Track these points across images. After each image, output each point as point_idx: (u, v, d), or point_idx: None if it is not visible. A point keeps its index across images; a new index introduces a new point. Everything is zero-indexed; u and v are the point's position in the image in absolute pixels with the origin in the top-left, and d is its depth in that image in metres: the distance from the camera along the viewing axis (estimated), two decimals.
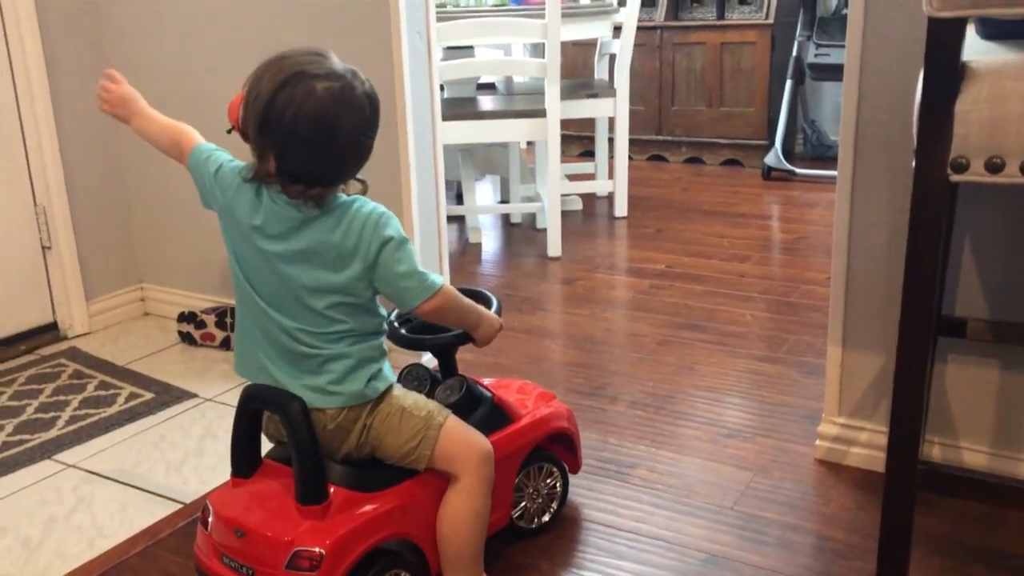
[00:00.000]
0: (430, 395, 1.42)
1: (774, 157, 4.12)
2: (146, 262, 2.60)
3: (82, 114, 2.41)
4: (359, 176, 1.31)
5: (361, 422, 1.28)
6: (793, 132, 4.46)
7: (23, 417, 1.99)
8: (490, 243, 3.40)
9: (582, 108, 3.39)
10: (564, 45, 3.09)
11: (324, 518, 1.22)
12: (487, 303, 1.46)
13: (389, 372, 1.34)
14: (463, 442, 1.32)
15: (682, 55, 4.47)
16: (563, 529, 1.55)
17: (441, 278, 1.32)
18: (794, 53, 4.16)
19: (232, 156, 1.37)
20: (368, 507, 1.25)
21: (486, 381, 1.52)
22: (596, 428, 1.89)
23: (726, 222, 3.48)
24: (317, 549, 1.19)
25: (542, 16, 2.92)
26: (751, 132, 4.40)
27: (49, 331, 2.43)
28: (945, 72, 1.00)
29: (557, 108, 2.99)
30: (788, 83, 4.18)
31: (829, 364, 1.72)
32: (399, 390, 1.35)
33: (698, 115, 4.51)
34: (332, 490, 1.24)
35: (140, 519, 1.61)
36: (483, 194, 4.07)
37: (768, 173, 4.14)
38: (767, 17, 4.25)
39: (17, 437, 1.90)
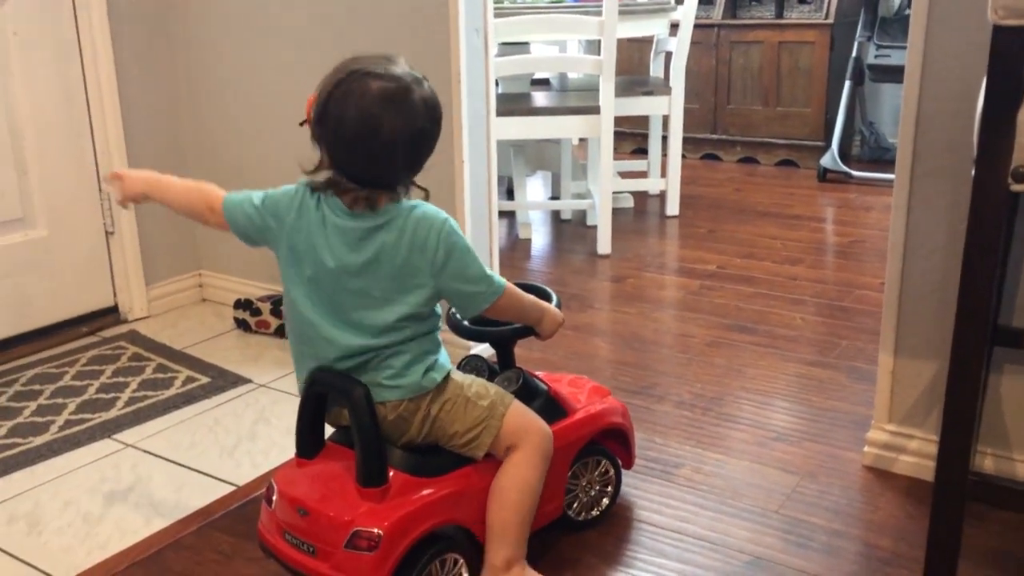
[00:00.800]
0: None
1: (830, 159, 4.07)
2: (204, 249, 2.66)
3: (147, 103, 2.47)
4: (421, 184, 1.33)
5: (422, 412, 1.31)
6: (850, 134, 4.40)
7: (85, 397, 2.05)
8: (540, 239, 3.42)
9: (636, 105, 3.39)
10: (620, 42, 3.08)
11: (383, 500, 1.25)
12: (547, 298, 1.48)
13: (446, 360, 1.36)
14: (526, 419, 1.36)
15: (739, 53, 4.43)
16: (610, 526, 1.56)
17: (502, 278, 1.34)
18: (854, 53, 4.09)
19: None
20: (426, 492, 1.28)
21: (540, 374, 1.54)
22: (643, 427, 1.89)
23: (779, 224, 3.45)
24: (376, 530, 1.22)
25: (599, 13, 2.92)
26: (807, 133, 4.35)
27: (110, 314, 2.50)
28: (1008, 81, 0.99)
29: (611, 105, 2.99)
30: (847, 84, 4.12)
31: (880, 370, 1.71)
32: (459, 376, 1.38)
33: (754, 114, 4.46)
34: (392, 474, 1.27)
35: (194, 499, 1.66)
36: (534, 190, 4.08)
37: (824, 175, 4.09)
38: (827, 17, 4.19)
39: (79, 416, 1.96)
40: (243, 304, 2.45)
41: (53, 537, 1.55)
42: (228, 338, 2.42)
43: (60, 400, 2.04)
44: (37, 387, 2.10)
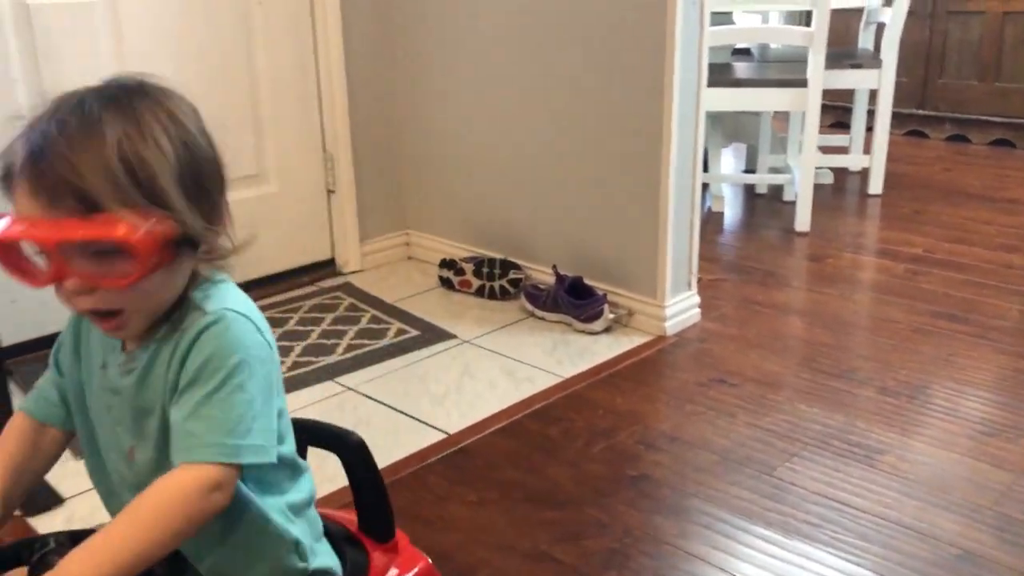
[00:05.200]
0: None
1: None
2: (413, 211, 2.81)
3: (369, 74, 2.62)
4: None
5: None
6: None
7: (308, 341, 2.24)
8: (732, 213, 3.38)
9: (843, 79, 3.27)
10: None
11: None
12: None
13: None
14: None
15: (956, 24, 4.16)
16: (810, 505, 1.56)
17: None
18: None
19: None
20: None
21: None
22: (844, 411, 1.87)
23: (993, 208, 3.25)
24: None
25: None
26: None
27: (328, 266, 2.70)
28: None
29: (820, 78, 2.90)
30: None
31: None
32: None
33: (968, 90, 4.19)
34: None
35: (410, 443, 1.79)
36: (725, 162, 4.02)
37: None
38: None
39: (305, 359, 2.15)
40: (448, 264, 2.58)
41: None
42: (432, 295, 2.56)
43: (288, 343, 2.23)
44: None
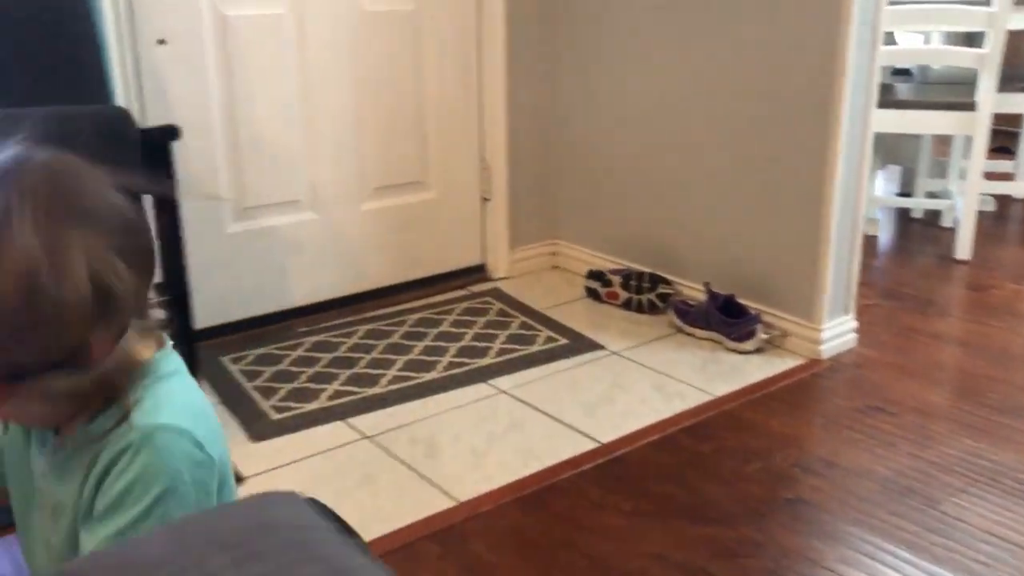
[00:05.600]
0: None
1: None
2: (561, 222, 2.85)
3: (528, 91, 2.68)
4: None
5: None
6: None
7: (462, 343, 2.31)
8: (886, 237, 3.27)
9: (1014, 102, 3.12)
10: None
11: None
12: None
13: None
14: None
15: None
16: (973, 542, 1.51)
17: None
18: None
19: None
20: None
21: None
22: (1014, 448, 1.80)
23: None
24: None
25: (984, 2, 2.73)
26: None
27: (478, 272, 2.77)
28: None
29: (991, 103, 2.79)
30: None
31: None
32: None
33: None
34: None
35: (563, 449, 1.82)
36: (877, 184, 3.89)
37: None
38: None
39: (459, 360, 2.21)
40: (596, 275, 2.61)
41: (447, 463, 1.78)
42: (578, 305, 2.59)
43: (442, 343, 2.30)
44: (422, 330, 2.39)
